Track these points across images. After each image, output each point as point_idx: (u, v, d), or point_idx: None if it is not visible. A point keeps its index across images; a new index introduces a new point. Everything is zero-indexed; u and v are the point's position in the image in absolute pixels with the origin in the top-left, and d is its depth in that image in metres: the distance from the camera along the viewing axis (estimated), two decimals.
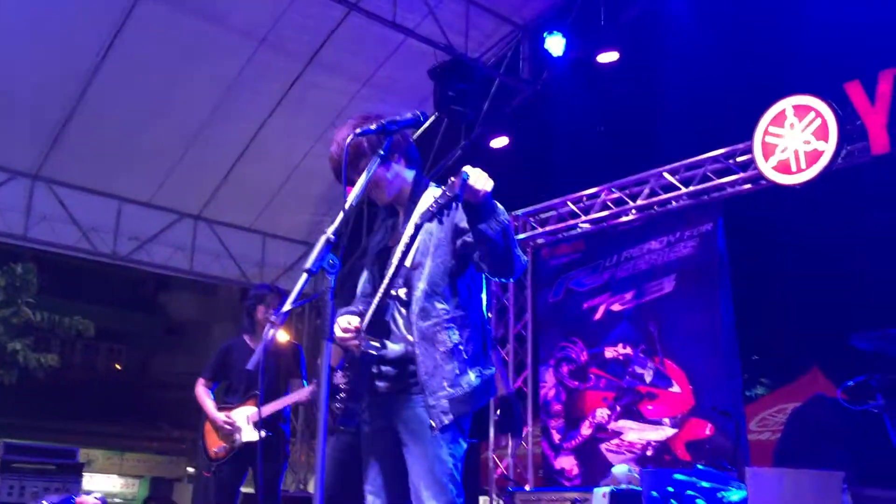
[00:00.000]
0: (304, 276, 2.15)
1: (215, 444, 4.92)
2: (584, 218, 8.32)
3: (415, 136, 8.31)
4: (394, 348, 2.66)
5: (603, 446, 7.54)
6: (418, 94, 8.34)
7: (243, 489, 5.03)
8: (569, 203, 8.45)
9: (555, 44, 7.56)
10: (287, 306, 2.30)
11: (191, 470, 20.34)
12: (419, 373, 2.60)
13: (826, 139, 6.41)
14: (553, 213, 8.64)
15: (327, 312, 2.20)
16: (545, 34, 7.61)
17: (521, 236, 8.65)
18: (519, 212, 8.74)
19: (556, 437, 7.99)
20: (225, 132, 8.34)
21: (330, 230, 2.23)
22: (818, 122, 6.49)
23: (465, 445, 2.67)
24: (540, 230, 8.69)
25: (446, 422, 2.57)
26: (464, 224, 2.59)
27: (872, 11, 6.00)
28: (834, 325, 5.85)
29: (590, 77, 7.90)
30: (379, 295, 2.58)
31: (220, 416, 4.88)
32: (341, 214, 2.32)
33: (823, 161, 6.42)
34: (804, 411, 6.43)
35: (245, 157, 8.70)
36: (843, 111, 6.35)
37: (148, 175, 8.55)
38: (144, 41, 7.30)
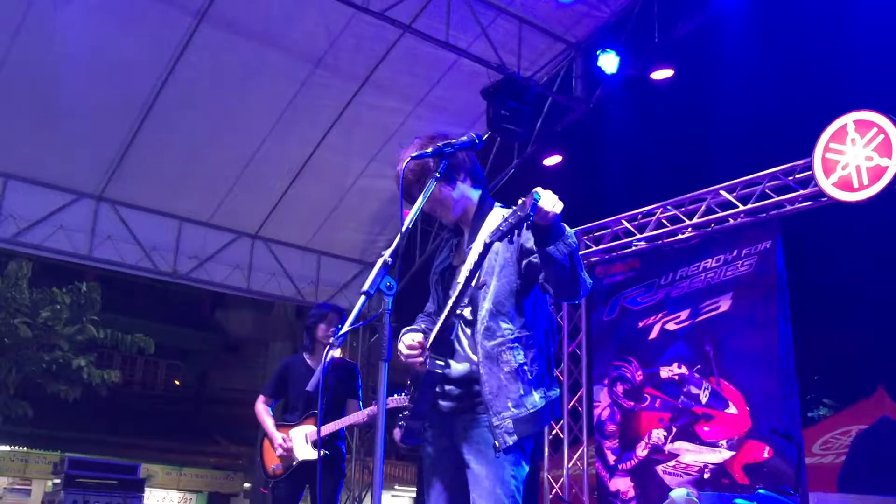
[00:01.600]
0: (363, 298, 2.17)
1: (273, 462, 4.97)
2: (639, 236, 8.25)
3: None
4: (458, 367, 2.66)
5: (659, 468, 7.43)
6: (472, 114, 8.41)
7: None
8: (623, 221, 8.39)
9: (608, 62, 7.53)
10: (346, 328, 2.33)
11: (248, 486, 20.56)
12: (483, 392, 2.60)
13: (890, 155, 6.28)
14: (608, 230, 8.58)
15: (384, 334, 2.22)
16: (598, 52, 7.59)
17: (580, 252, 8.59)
18: (573, 230, 8.69)
19: (612, 458, 7.89)
20: (281, 152, 8.49)
21: (387, 253, 2.26)
22: (881, 137, 6.36)
23: (527, 468, 2.66)
24: (594, 248, 8.64)
25: (510, 442, 2.56)
26: (530, 245, 2.59)
27: None
28: None
29: (644, 94, 7.88)
30: (444, 314, 2.57)
31: (278, 438, 4.92)
32: (398, 237, 2.34)
33: (887, 177, 6.28)
34: (870, 434, 6.24)
35: (301, 176, 8.83)
36: None
37: (207, 195, 8.73)
38: (203, 65, 7.49)
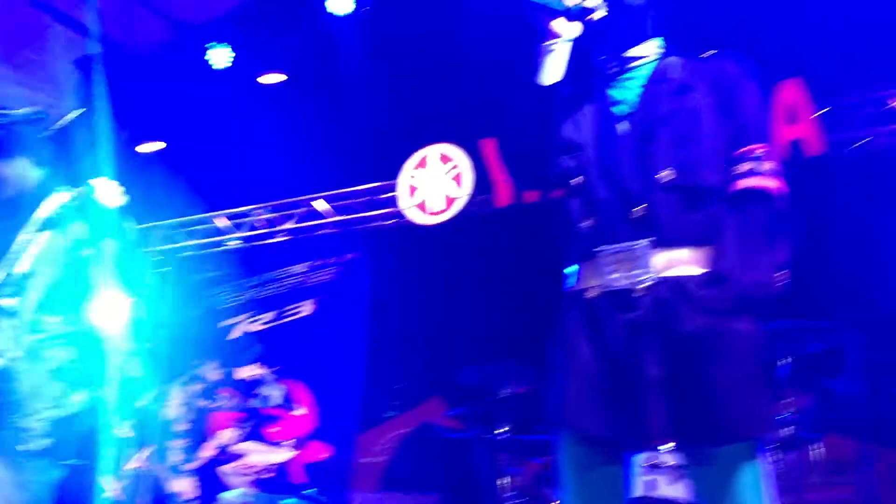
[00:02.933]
0: None
1: None
2: (234, 235, 8.19)
3: (54, 130, 7.64)
4: None
5: (225, 468, 7.39)
6: (66, 84, 7.69)
7: None
8: (218, 219, 8.27)
9: (219, 56, 7.39)
10: None
11: None
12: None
13: (462, 186, 6.99)
14: (203, 227, 8.40)
15: None
16: (207, 46, 7.42)
17: (168, 247, 8.30)
18: (169, 222, 8.39)
19: (178, 457, 7.67)
20: None
21: None
22: (457, 170, 7.06)
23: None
24: (188, 242, 8.40)
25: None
26: (84, 236, 2.41)
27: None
28: (452, 357, 6.34)
29: (253, 95, 7.83)
30: None
31: None
32: None
33: (458, 204, 7.00)
34: (411, 437, 6.88)
35: None
36: (478, 164, 6.94)
37: None
38: None
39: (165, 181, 7.90)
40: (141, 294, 2.62)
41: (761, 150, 2.03)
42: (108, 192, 2.28)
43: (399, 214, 7.33)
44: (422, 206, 7.11)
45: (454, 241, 7.10)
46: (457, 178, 7.06)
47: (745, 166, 2.02)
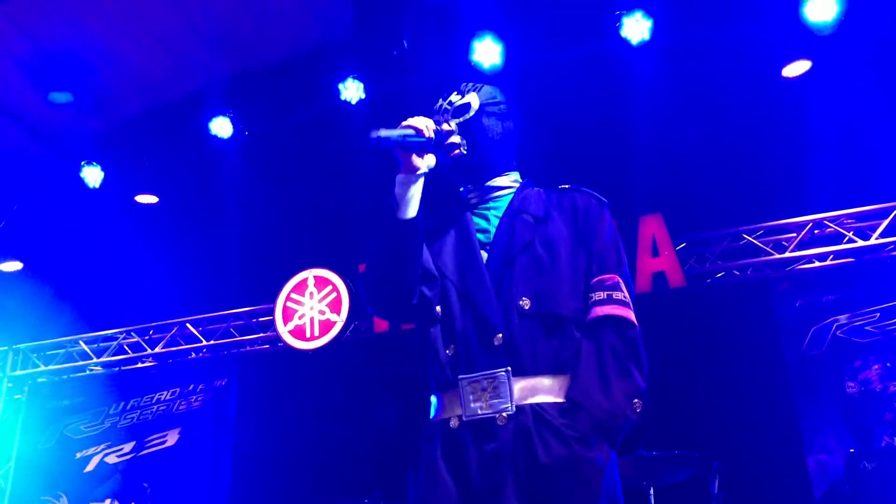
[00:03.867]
0: None
1: None
2: (95, 360, 7.76)
3: None
4: None
5: None
6: None
7: None
8: (81, 343, 7.85)
9: (91, 174, 7.21)
10: None
11: None
12: None
13: (339, 311, 6.92)
14: (62, 350, 7.93)
15: None
16: (83, 162, 7.23)
17: (21, 373, 7.79)
18: (22, 346, 7.90)
19: None
20: None
21: None
22: (334, 294, 6.99)
23: None
24: (43, 368, 7.89)
25: None
26: None
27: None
28: (319, 492, 6.11)
29: (128, 214, 7.63)
30: None
31: None
32: None
33: (335, 330, 6.89)
34: None
35: None
36: (356, 288, 6.92)
37: None
38: None
39: (23, 302, 7.51)
40: None
41: (615, 280, 2.09)
42: None
43: (276, 339, 7.15)
44: (298, 332, 6.97)
45: (329, 367, 6.97)
46: (334, 304, 6.99)
47: (600, 295, 2.07)
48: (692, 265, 6.05)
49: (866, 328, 5.56)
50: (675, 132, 5.71)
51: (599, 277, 2.10)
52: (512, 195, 2.28)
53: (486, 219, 2.26)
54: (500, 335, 2.03)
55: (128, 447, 7.19)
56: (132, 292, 7.68)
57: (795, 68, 5.71)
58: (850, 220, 5.83)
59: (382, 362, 6.76)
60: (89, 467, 7.22)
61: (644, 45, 5.49)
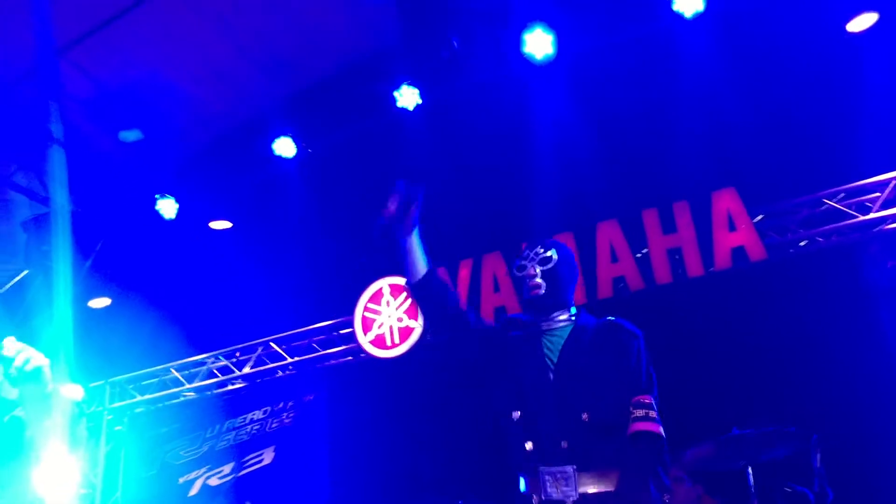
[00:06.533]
0: None
1: None
2: (188, 386, 7.99)
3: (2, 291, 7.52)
4: None
5: None
6: (12, 246, 7.61)
7: None
8: (173, 370, 8.08)
9: (167, 207, 7.43)
10: None
11: None
12: None
13: (416, 317, 6.94)
14: (156, 380, 8.19)
15: None
16: (157, 196, 7.46)
17: (119, 405, 8.07)
18: (118, 378, 8.19)
19: None
20: None
21: None
22: (409, 301, 7.02)
23: None
24: (139, 398, 8.16)
25: None
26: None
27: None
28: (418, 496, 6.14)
29: (203, 241, 7.84)
30: None
31: None
32: None
33: (414, 337, 6.91)
34: None
35: None
36: None
37: None
38: None
39: (115, 336, 7.77)
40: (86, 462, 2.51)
41: (649, 400, 2.76)
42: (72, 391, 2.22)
43: (357, 350, 7.22)
44: (379, 341, 7.02)
45: (413, 372, 6.99)
46: (411, 310, 7.01)
47: (639, 412, 2.74)
48: (772, 237, 5.85)
49: None
50: (736, 103, 5.53)
51: (638, 398, 2.76)
52: (571, 326, 2.96)
53: (551, 343, 2.93)
54: (566, 442, 2.71)
55: (227, 468, 7.36)
56: (216, 316, 7.88)
57: (861, 22, 5.49)
58: None
59: (466, 361, 6.74)
60: (193, 491, 7.42)
61: (698, 18, 5.36)
